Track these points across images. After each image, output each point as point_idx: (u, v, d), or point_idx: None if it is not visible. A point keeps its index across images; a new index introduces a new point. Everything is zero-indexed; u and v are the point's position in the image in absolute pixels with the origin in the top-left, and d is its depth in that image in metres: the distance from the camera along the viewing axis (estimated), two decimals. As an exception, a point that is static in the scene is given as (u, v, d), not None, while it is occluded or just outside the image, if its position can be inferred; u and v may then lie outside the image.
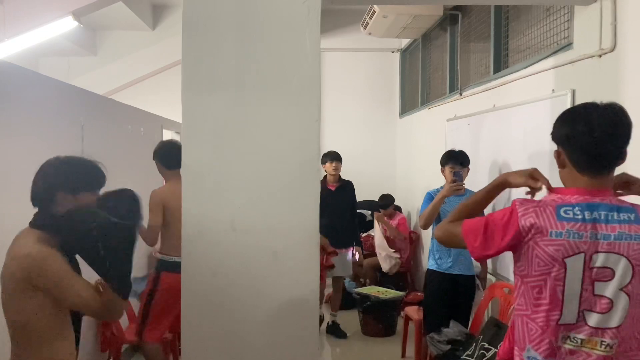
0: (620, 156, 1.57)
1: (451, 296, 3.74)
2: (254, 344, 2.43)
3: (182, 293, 2.45)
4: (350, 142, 7.41)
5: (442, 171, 3.97)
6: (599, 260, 1.51)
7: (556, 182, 1.70)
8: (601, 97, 2.73)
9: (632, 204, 1.57)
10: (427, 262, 4.01)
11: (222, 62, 2.42)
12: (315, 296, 2.48)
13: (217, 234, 2.43)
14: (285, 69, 2.43)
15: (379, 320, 4.90)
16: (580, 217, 1.52)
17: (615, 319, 1.52)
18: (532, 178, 1.67)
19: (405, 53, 7.58)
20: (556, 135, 1.64)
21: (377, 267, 5.91)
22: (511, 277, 3.33)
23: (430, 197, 3.96)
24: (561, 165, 1.64)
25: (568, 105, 3.05)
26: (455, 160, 3.87)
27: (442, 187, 3.98)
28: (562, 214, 1.52)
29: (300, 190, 2.44)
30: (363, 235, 6.27)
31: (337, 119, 7.38)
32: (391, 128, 7.70)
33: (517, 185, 1.71)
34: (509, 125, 3.91)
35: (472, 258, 1.71)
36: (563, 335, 1.54)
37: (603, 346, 1.52)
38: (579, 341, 1.53)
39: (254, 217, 2.43)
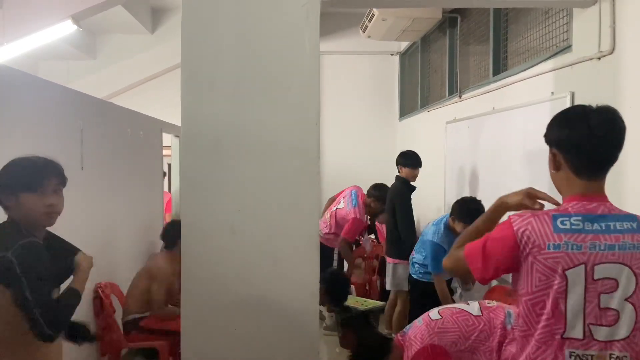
0: (615, 159, 1.56)
1: (436, 304, 3.71)
2: (254, 348, 2.42)
3: (182, 297, 2.44)
4: (350, 145, 7.41)
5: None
6: (603, 271, 1.48)
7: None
8: (600, 99, 2.73)
9: (630, 213, 1.56)
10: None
11: (222, 65, 2.42)
12: (316, 300, 2.48)
13: (216, 237, 2.42)
14: (285, 72, 2.42)
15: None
16: (578, 227, 1.49)
17: (622, 331, 1.49)
18: (529, 197, 1.62)
19: (404, 56, 7.58)
20: (553, 137, 1.60)
21: (374, 270, 5.90)
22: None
23: (437, 247, 3.67)
24: (556, 167, 1.59)
25: (567, 108, 3.05)
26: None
27: (445, 219, 3.77)
28: (559, 224, 1.50)
29: (300, 193, 2.44)
30: (362, 239, 6.27)
31: (336, 122, 7.38)
32: (391, 131, 7.70)
33: (515, 205, 1.66)
34: (508, 127, 3.91)
35: (479, 282, 1.66)
36: (570, 352, 1.51)
37: (613, 359, 1.50)
38: (589, 357, 1.50)
39: (253, 221, 2.42)
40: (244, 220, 2.42)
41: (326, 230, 5.22)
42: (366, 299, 5.00)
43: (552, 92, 3.31)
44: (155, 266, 3.67)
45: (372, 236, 6.35)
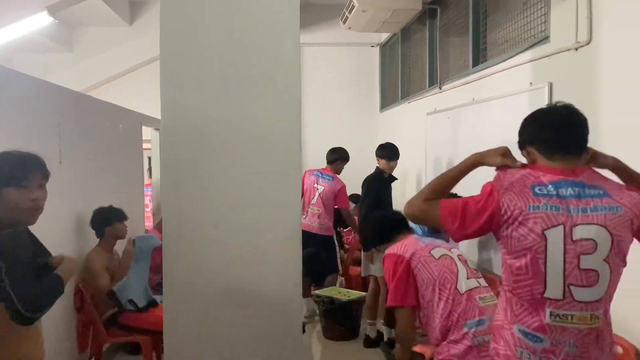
0: (582, 143, 1.68)
1: None
2: (238, 339, 2.43)
3: (165, 292, 2.43)
4: (332, 136, 7.39)
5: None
6: (580, 232, 1.56)
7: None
8: (578, 89, 2.77)
9: (602, 180, 1.65)
10: None
11: (201, 58, 2.40)
12: (299, 291, 2.49)
13: (199, 232, 2.41)
14: (265, 64, 2.41)
15: (341, 323, 4.66)
16: (554, 193, 1.59)
17: (601, 291, 1.57)
18: (507, 157, 1.73)
19: (385, 47, 7.59)
20: (523, 138, 1.75)
21: (358, 261, 5.92)
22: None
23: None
24: (532, 161, 1.72)
25: (545, 98, 3.09)
26: None
27: None
28: (537, 191, 1.60)
29: (282, 186, 2.44)
30: (344, 230, 6.28)
31: (318, 114, 7.38)
32: (372, 122, 7.73)
33: (493, 165, 1.76)
34: (487, 118, 3.94)
35: (452, 239, 1.74)
36: (551, 312, 1.57)
37: (592, 319, 1.57)
38: (569, 318, 1.57)
39: (236, 215, 2.42)
40: (226, 213, 2.42)
41: (321, 221, 5.24)
42: (349, 290, 5.02)
43: (531, 83, 3.34)
44: (87, 266, 3.61)
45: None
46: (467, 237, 1.71)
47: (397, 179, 4.89)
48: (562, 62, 3.02)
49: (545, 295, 1.58)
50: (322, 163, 5.52)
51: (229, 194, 2.42)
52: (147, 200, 6.16)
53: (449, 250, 2.50)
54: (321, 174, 5.35)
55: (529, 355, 1.61)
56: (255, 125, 2.42)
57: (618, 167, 1.71)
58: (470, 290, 2.36)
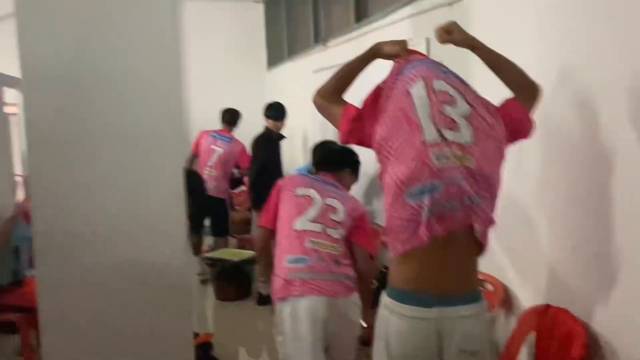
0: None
1: None
2: (123, 311, 2.31)
3: (37, 266, 2.25)
4: (218, 96, 7.19)
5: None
6: (438, 85, 1.76)
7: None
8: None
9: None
10: None
11: (62, 10, 2.18)
12: (185, 258, 2.41)
13: (72, 200, 2.24)
14: (138, 16, 2.25)
15: (233, 283, 4.73)
16: (417, 65, 1.84)
17: (464, 138, 1.71)
18: (405, 49, 1.91)
19: (269, 3, 7.44)
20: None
21: (248, 221, 5.91)
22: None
23: None
24: None
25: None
26: None
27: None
28: (406, 72, 1.84)
29: (164, 148, 2.32)
30: (235, 191, 6.22)
31: (202, 73, 7.11)
32: (259, 81, 7.61)
33: (391, 54, 1.94)
34: (370, 75, 3.99)
35: (341, 141, 2.01)
36: (434, 153, 1.68)
37: (464, 158, 1.69)
38: (448, 156, 1.68)
39: (112, 180, 2.27)
40: (101, 178, 2.26)
41: (218, 183, 5.14)
42: (241, 251, 5.02)
43: (410, 39, 3.42)
44: None
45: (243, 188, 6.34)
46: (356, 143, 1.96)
47: (285, 137, 4.88)
48: (438, 17, 3.10)
49: (424, 140, 1.70)
50: (208, 124, 5.38)
51: (103, 157, 2.26)
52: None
53: (326, 197, 2.57)
54: (219, 135, 5.24)
55: (428, 210, 1.67)
56: (130, 82, 2.26)
57: (476, 46, 1.86)
58: (306, 231, 2.48)
